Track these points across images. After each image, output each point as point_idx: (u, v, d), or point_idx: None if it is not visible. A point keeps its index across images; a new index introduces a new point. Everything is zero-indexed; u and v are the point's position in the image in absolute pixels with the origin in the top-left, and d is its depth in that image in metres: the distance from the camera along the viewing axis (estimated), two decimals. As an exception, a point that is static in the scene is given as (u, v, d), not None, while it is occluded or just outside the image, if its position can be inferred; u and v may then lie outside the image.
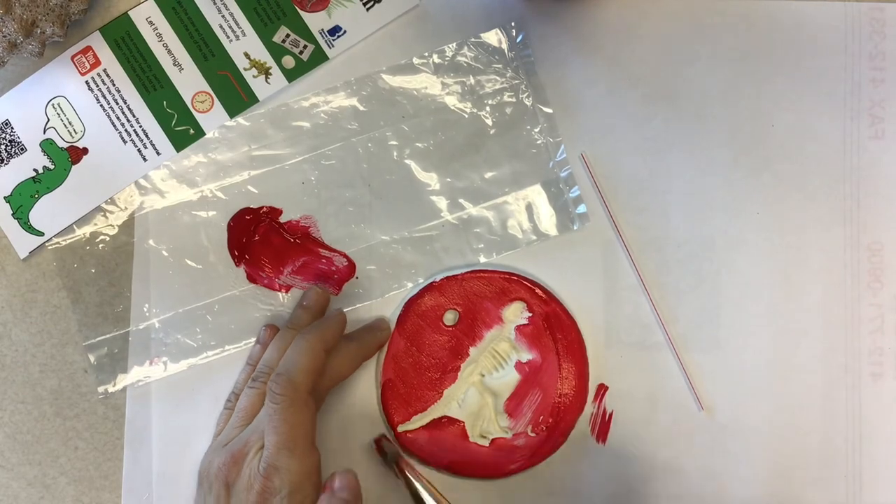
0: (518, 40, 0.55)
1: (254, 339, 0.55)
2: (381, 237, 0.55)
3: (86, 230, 0.55)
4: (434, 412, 0.54)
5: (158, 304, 0.55)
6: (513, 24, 0.55)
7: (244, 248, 0.55)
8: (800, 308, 0.54)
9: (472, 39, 0.55)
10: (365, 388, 0.55)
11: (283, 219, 0.55)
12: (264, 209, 0.55)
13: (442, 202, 0.55)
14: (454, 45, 0.55)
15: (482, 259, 0.55)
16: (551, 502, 0.54)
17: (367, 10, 0.55)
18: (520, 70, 0.55)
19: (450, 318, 0.54)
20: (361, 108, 0.55)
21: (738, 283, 0.54)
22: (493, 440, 0.54)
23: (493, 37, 0.55)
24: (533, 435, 0.54)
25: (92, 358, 0.55)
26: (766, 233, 0.55)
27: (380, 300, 0.55)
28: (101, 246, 0.55)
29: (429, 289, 0.54)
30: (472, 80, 0.55)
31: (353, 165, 0.55)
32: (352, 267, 0.55)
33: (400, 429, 0.54)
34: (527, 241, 0.55)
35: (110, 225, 0.55)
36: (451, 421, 0.54)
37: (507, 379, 0.54)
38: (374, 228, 0.55)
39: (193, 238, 0.55)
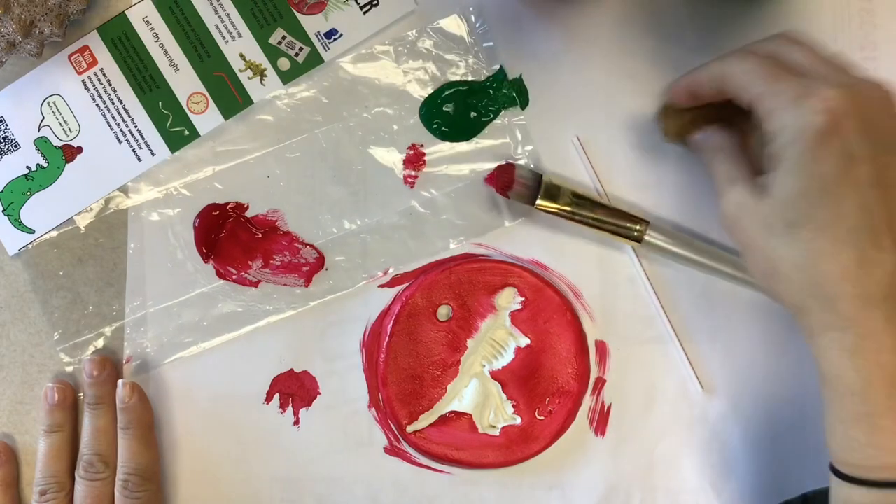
0: (478, 26, 0.55)
1: (225, 336, 0.55)
2: (349, 227, 0.55)
3: (53, 232, 0.55)
4: (440, 408, 0.54)
5: (129, 304, 0.55)
6: (471, 9, 0.55)
7: (212, 244, 0.55)
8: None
9: (432, 26, 0.55)
10: (359, 394, 0.55)
11: (249, 213, 0.55)
12: (231, 205, 0.55)
13: (407, 190, 0.55)
14: (414, 31, 0.55)
15: (452, 245, 0.55)
16: (552, 496, 0.54)
17: (364, 13, 0.55)
18: (480, 56, 0.55)
19: (443, 313, 0.54)
20: (324, 99, 0.55)
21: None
22: (502, 429, 0.54)
23: (453, 23, 0.55)
24: (541, 418, 0.54)
25: (66, 360, 0.55)
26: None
27: (350, 290, 0.55)
28: (67, 248, 0.55)
29: (418, 287, 0.54)
30: (433, 67, 0.55)
31: (317, 157, 0.55)
32: (321, 259, 0.55)
33: (409, 429, 0.54)
34: (495, 226, 0.55)
35: (77, 227, 0.55)
36: (459, 415, 0.54)
37: (509, 366, 0.54)
38: (342, 219, 0.55)
39: (160, 236, 0.55)
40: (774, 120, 0.42)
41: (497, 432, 0.54)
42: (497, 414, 0.54)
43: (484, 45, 0.55)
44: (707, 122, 0.50)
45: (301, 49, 0.55)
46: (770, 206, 0.42)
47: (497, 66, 0.55)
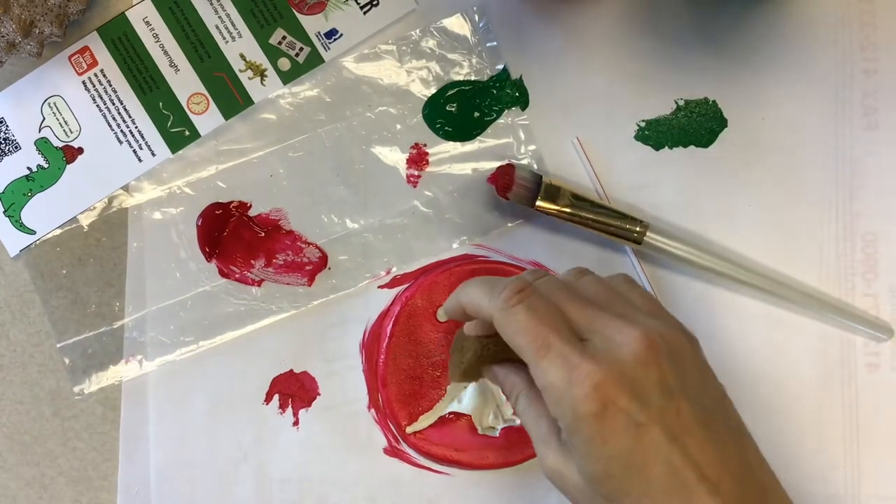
0: (481, 26, 0.55)
1: (227, 335, 0.55)
2: (352, 226, 0.55)
3: (56, 230, 0.55)
4: (440, 409, 0.54)
5: (130, 303, 0.55)
6: (475, 8, 0.55)
7: (215, 243, 0.55)
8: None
9: (435, 26, 0.55)
10: (359, 394, 0.55)
11: (252, 212, 0.55)
12: (234, 203, 0.55)
13: (410, 189, 0.55)
14: (418, 31, 0.55)
15: (455, 245, 0.55)
16: (551, 497, 0.54)
17: (364, 13, 0.55)
18: (484, 55, 0.55)
19: (443, 314, 0.54)
20: (327, 98, 0.55)
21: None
22: (502, 430, 0.54)
23: (456, 23, 0.55)
24: None
25: (66, 360, 0.55)
26: (759, 225, 0.54)
27: (354, 289, 0.55)
28: (67, 248, 0.55)
29: (418, 288, 0.54)
30: (436, 67, 0.55)
31: (320, 156, 0.55)
32: (324, 258, 0.55)
33: (408, 430, 0.54)
34: (498, 225, 0.55)
35: (80, 225, 0.55)
36: (458, 416, 0.54)
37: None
38: (345, 218, 0.55)
39: (163, 235, 0.55)
40: (548, 399, 0.39)
41: (497, 433, 0.54)
42: (497, 415, 0.54)
43: (487, 44, 0.55)
44: (495, 359, 0.44)
45: (301, 49, 0.55)
46: (584, 484, 0.39)
47: (500, 66, 0.55)
